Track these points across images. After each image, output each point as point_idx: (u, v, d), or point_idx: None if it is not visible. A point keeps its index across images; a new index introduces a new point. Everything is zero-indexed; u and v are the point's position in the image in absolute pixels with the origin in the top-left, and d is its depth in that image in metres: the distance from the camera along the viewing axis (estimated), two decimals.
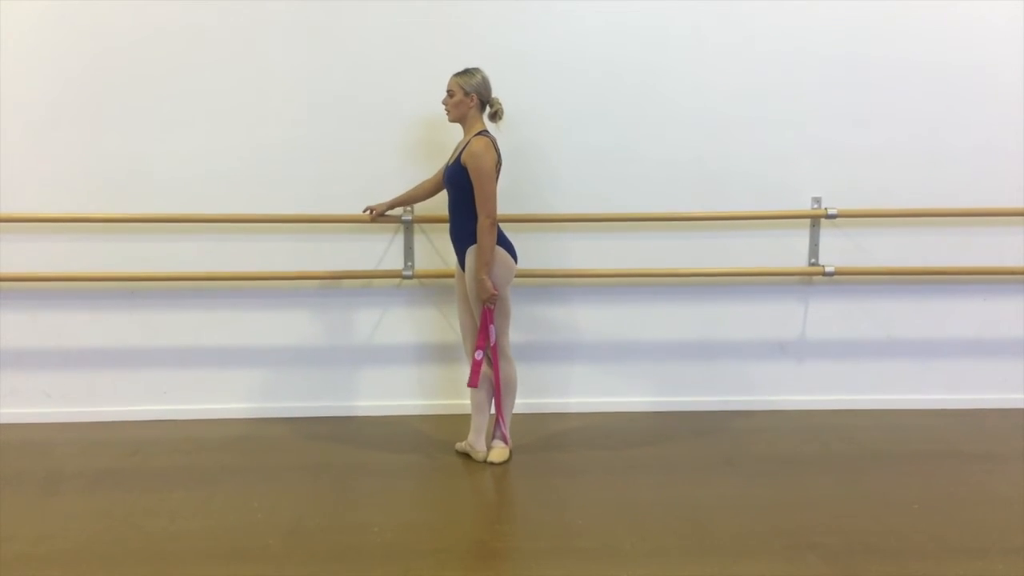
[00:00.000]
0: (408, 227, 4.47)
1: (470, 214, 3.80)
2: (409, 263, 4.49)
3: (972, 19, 4.51)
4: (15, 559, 3.06)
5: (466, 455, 4.04)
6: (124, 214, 4.37)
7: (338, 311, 4.60)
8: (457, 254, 3.93)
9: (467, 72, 3.87)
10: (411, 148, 4.41)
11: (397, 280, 4.55)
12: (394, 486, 3.74)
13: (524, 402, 4.55)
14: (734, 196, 4.56)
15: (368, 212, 4.22)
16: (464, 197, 3.81)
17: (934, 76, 4.55)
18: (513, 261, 3.89)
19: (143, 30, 4.35)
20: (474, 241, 3.79)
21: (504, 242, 3.86)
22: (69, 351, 4.52)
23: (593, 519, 3.40)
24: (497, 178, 3.82)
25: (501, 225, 3.86)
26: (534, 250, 4.27)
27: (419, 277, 4.52)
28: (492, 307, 3.85)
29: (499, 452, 3.99)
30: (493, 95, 3.92)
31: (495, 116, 3.93)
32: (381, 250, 4.54)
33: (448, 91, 3.88)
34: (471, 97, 3.84)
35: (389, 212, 4.29)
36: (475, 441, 4.00)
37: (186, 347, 4.56)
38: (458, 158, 3.81)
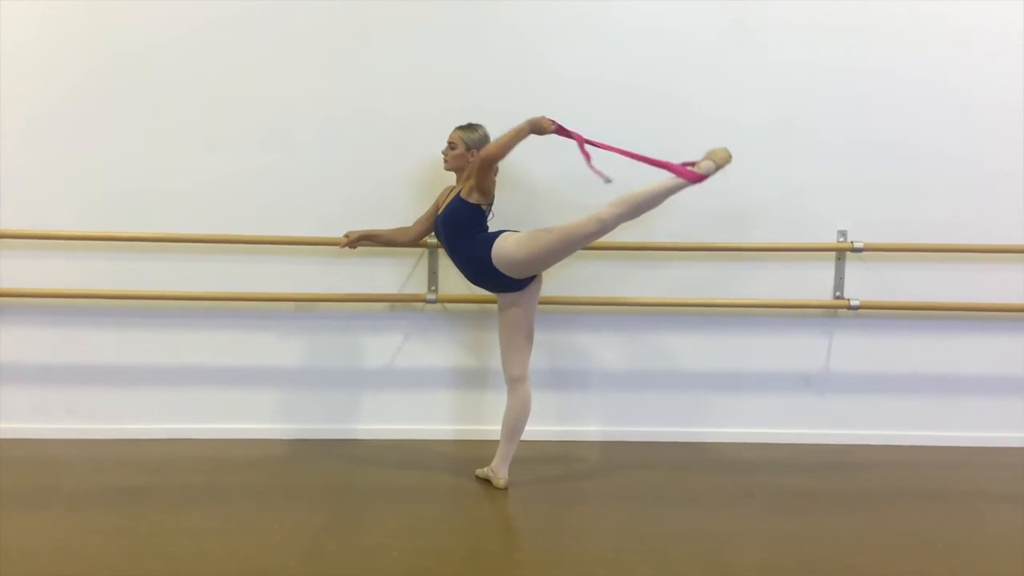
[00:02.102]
0: (432, 251, 4.49)
1: (476, 239, 3.86)
2: (433, 287, 4.51)
3: (1002, 53, 4.51)
4: (38, 575, 3.08)
5: (486, 481, 4.03)
6: (151, 233, 4.41)
7: (361, 334, 4.62)
8: (489, 288, 3.95)
9: (470, 127, 3.99)
10: (439, 172, 4.41)
11: (420, 304, 4.57)
12: (414, 510, 3.74)
13: (545, 429, 4.56)
14: (759, 227, 4.56)
15: (346, 238, 4.24)
16: (468, 229, 3.88)
17: (963, 109, 4.54)
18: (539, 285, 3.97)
19: (169, 53, 4.41)
20: (488, 251, 3.81)
21: None
22: (94, 369, 4.56)
23: (613, 549, 3.37)
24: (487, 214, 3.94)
25: None
26: (558, 277, 4.27)
27: (442, 301, 4.53)
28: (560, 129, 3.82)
29: None
30: None
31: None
32: (405, 274, 4.56)
33: (450, 143, 3.99)
34: (471, 152, 3.94)
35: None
36: (498, 468, 3.98)
37: (209, 367, 4.59)
38: (457, 196, 3.92)
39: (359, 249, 4.33)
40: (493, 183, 3.93)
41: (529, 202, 4.44)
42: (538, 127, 3.81)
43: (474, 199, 3.88)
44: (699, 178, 3.78)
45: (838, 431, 4.69)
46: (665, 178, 3.80)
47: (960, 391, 4.70)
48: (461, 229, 3.89)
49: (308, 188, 4.49)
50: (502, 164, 4.01)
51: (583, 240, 3.79)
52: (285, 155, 4.47)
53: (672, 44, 4.50)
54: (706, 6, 4.48)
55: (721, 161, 3.80)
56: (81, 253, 4.46)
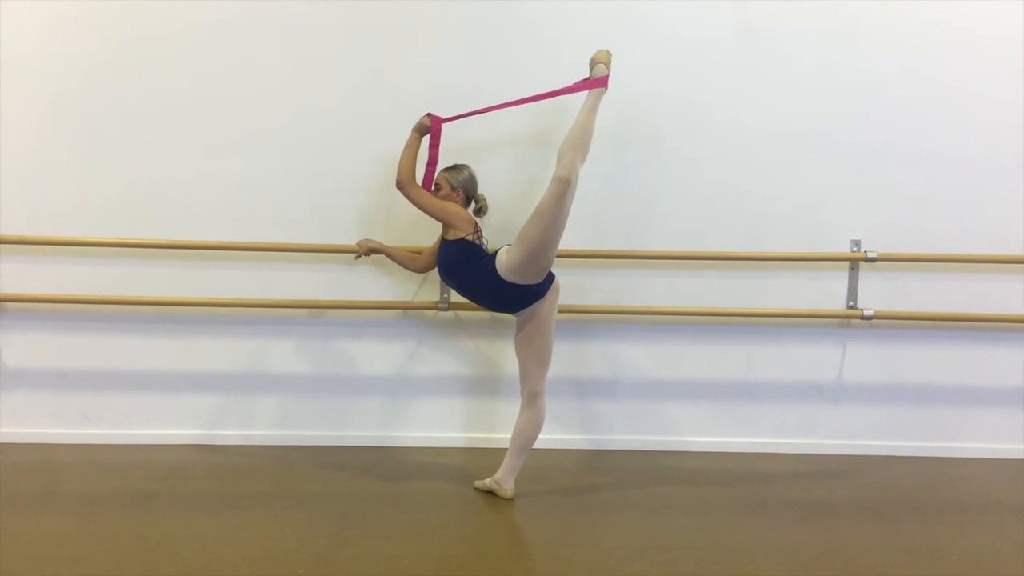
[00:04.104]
0: None
1: (481, 266, 3.86)
2: (445, 295, 4.50)
3: (1019, 65, 4.49)
4: None
5: (490, 493, 4.01)
6: (165, 240, 4.44)
7: (373, 341, 4.62)
8: (514, 307, 3.92)
9: (455, 168, 4.05)
10: None
11: (432, 312, 4.57)
12: (425, 518, 3.74)
13: (558, 438, 4.56)
14: (773, 236, 4.55)
15: (358, 247, 4.30)
16: (467, 263, 3.89)
17: (980, 118, 4.52)
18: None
19: (185, 62, 4.44)
20: (495, 269, 3.81)
21: (550, 276, 3.90)
22: (107, 374, 4.58)
23: (626, 559, 3.36)
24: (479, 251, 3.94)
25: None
26: (572, 286, 4.25)
27: (454, 309, 4.53)
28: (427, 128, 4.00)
29: None
30: (479, 191, 4.09)
31: (479, 212, 4.09)
32: (417, 281, 4.56)
33: (435, 184, 4.05)
34: (457, 192, 4.01)
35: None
36: (505, 480, 3.97)
37: (222, 373, 4.61)
38: (442, 241, 4.00)
39: (372, 257, 4.35)
40: (457, 214, 3.93)
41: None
42: (421, 128, 3.98)
43: (453, 235, 3.92)
44: (604, 81, 3.88)
45: (852, 441, 4.67)
46: (582, 102, 3.86)
47: (975, 402, 4.67)
48: (460, 265, 3.91)
49: (321, 195, 4.50)
50: (488, 194, 4.11)
51: (561, 203, 3.68)
52: (298, 161, 4.49)
53: (686, 51, 4.50)
54: (721, 13, 4.48)
55: (607, 59, 3.95)
56: (95, 260, 4.48)
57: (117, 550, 3.33)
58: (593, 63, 3.96)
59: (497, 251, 3.89)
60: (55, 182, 4.46)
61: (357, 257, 4.30)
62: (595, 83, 3.88)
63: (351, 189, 4.49)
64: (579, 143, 3.74)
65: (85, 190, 4.46)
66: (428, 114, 4.00)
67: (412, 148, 3.96)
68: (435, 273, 4.48)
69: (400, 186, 3.91)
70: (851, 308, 4.58)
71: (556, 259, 3.88)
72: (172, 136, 4.47)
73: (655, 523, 3.75)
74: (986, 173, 4.55)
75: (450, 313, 4.57)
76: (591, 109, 3.82)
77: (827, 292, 4.60)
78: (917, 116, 4.54)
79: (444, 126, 4.02)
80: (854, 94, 4.52)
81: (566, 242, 4.40)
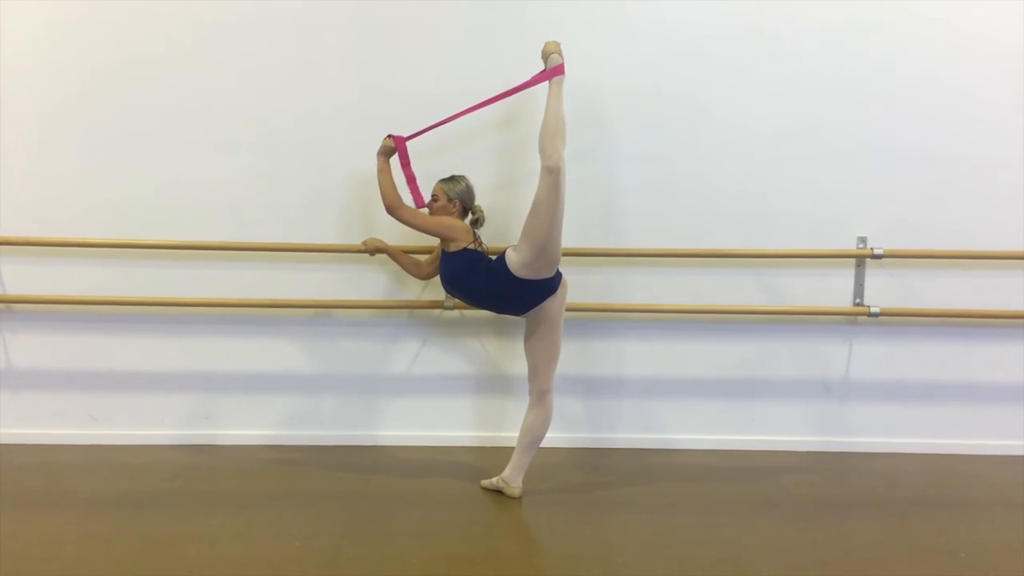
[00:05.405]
0: None
1: (489, 270, 3.86)
2: (450, 294, 4.51)
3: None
4: None
5: (496, 491, 4.01)
6: (172, 241, 4.43)
7: (379, 340, 4.62)
8: (526, 306, 3.90)
9: (452, 179, 4.05)
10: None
11: (438, 311, 4.57)
12: (432, 517, 3.73)
13: (566, 436, 4.55)
14: (779, 233, 4.54)
15: (363, 245, 4.33)
16: (472, 271, 3.89)
17: (985, 115, 4.51)
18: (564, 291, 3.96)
19: (190, 62, 4.44)
20: (506, 268, 3.80)
21: (558, 274, 3.90)
22: (115, 375, 4.58)
23: (633, 557, 3.36)
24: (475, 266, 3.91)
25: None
26: (577, 284, 4.25)
27: (460, 308, 4.52)
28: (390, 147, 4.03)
29: None
30: (476, 202, 4.09)
31: (476, 223, 4.08)
32: (423, 281, 4.55)
33: (432, 196, 4.05)
34: (454, 203, 4.01)
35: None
36: (513, 478, 3.97)
37: (229, 373, 4.61)
38: (443, 254, 3.99)
39: (377, 256, 4.36)
40: (453, 226, 3.92)
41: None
42: (386, 151, 4.02)
43: (454, 248, 3.92)
44: (561, 69, 3.90)
45: (859, 439, 4.66)
46: (547, 94, 3.87)
47: (982, 399, 4.66)
48: (467, 274, 3.90)
49: (325, 195, 4.50)
50: (483, 203, 4.13)
51: (556, 193, 3.67)
52: (302, 162, 4.49)
53: (692, 47, 4.48)
54: (725, 12, 4.46)
55: (558, 48, 3.96)
56: (101, 260, 4.48)
57: (124, 550, 3.33)
58: (547, 54, 3.97)
59: (502, 254, 3.88)
60: (59, 184, 4.45)
61: (372, 254, 4.32)
62: (553, 72, 3.91)
63: (355, 188, 4.48)
64: (555, 131, 3.75)
65: (90, 191, 4.46)
66: (389, 135, 4.03)
67: (385, 172, 3.98)
68: None
69: (391, 211, 3.93)
70: (858, 305, 4.57)
71: (562, 256, 3.88)
72: (176, 137, 4.46)
73: (662, 521, 3.74)
74: (993, 169, 4.53)
75: (455, 312, 4.57)
76: (557, 97, 3.84)
77: (834, 289, 4.60)
78: (923, 113, 4.52)
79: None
80: (861, 91, 4.50)
81: (569, 241, 4.41)
